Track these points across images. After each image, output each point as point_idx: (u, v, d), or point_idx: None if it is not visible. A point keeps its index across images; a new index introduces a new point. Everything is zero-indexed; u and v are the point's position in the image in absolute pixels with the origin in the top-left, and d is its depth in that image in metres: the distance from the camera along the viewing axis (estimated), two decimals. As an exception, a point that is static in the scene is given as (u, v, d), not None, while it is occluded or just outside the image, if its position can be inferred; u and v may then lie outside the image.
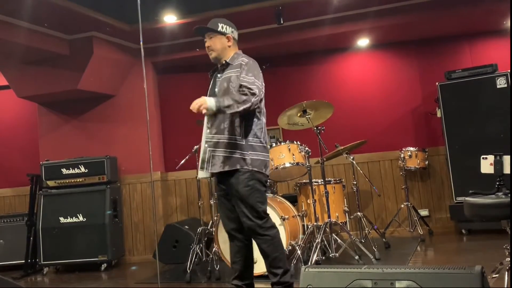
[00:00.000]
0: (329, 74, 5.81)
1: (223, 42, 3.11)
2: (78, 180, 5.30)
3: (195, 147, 4.42)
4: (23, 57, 5.03)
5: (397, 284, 1.88)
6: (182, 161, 4.45)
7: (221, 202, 3.16)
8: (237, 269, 3.09)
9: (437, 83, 5.15)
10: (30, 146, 6.13)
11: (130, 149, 5.57)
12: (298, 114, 4.19)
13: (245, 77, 2.94)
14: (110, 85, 5.58)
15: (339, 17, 5.02)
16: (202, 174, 3.07)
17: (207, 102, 2.78)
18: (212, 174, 3.09)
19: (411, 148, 5.18)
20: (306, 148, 4.18)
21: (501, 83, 4.87)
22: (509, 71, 4.86)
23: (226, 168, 2.94)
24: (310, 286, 2.04)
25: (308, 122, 4.12)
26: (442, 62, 5.50)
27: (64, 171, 5.32)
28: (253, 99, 2.85)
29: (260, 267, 3.86)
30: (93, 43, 5.02)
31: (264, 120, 3.10)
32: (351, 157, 4.71)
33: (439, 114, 5.15)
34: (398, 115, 5.65)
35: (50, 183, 5.34)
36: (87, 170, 5.29)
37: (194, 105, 2.79)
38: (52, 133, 5.79)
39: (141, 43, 3.26)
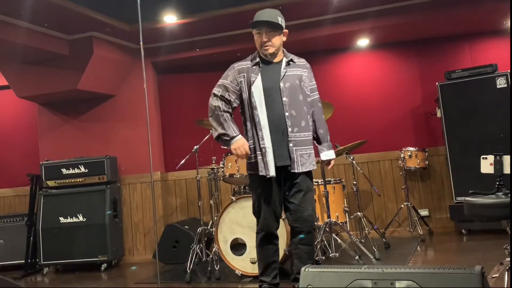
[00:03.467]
0: (329, 74, 5.80)
1: (281, 38, 3.06)
2: (78, 180, 5.30)
3: (195, 147, 4.41)
4: (23, 57, 5.03)
5: (397, 284, 1.87)
6: (182, 161, 4.45)
7: (271, 204, 2.99)
8: (276, 267, 3.12)
9: (437, 83, 5.15)
10: (30, 146, 6.13)
11: (130, 149, 5.57)
12: (298, 114, 4.18)
13: (316, 87, 3.21)
14: (110, 85, 5.58)
15: (339, 17, 5.01)
16: (272, 172, 2.91)
17: (334, 157, 3.16)
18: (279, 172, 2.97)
19: (411, 148, 5.18)
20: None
21: (501, 83, 4.87)
22: (509, 71, 4.86)
23: (310, 168, 3.03)
24: (310, 286, 2.04)
25: (308, 122, 4.11)
26: (442, 62, 5.50)
27: (64, 171, 5.32)
28: None
29: (260, 267, 3.86)
30: (93, 43, 5.02)
31: None
32: (351, 157, 4.71)
33: (439, 114, 5.15)
34: (398, 115, 5.65)
35: (50, 183, 5.34)
36: (87, 170, 5.29)
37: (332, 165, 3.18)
38: (52, 133, 5.79)
39: (141, 43, 3.27)
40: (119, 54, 5.39)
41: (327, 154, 3.12)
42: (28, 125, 6.22)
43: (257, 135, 2.96)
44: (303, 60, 3.18)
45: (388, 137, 5.60)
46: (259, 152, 2.95)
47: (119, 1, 4.32)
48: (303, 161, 2.96)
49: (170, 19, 4.83)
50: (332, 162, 3.18)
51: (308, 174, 3.05)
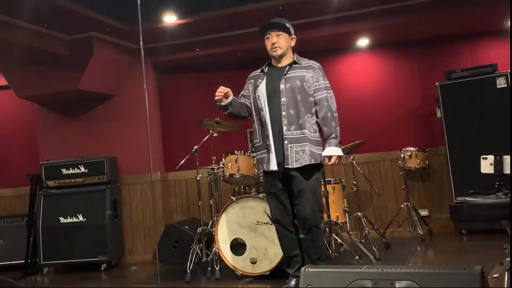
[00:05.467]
0: (329, 74, 5.67)
1: (288, 41, 3.31)
2: (78, 180, 5.30)
3: (195, 147, 4.41)
4: (23, 57, 5.03)
5: (397, 284, 1.87)
6: (182, 161, 4.45)
7: (276, 198, 3.27)
8: (298, 260, 3.30)
9: (437, 83, 5.15)
10: (30, 146, 6.12)
11: (130, 149, 5.57)
12: (298, 114, 4.18)
13: (327, 85, 3.27)
14: (110, 85, 5.58)
15: (339, 17, 5.01)
16: (274, 167, 3.18)
17: (337, 154, 3.12)
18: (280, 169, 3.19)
19: (411, 148, 5.18)
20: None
21: (501, 83, 4.87)
22: (509, 71, 4.86)
23: (312, 162, 3.12)
24: (310, 286, 2.04)
25: (308, 122, 4.11)
26: (442, 62, 5.50)
27: (64, 171, 5.32)
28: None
29: (260, 267, 3.87)
30: (93, 43, 5.02)
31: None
32: (351, 157, 4.71)
33: (439, 114, 5.15)
34: (398, 115, 5.65)
35: (50, 183, 5.34)
36: (87, 170, 5.28)
37: (334, 162, 3.11)
38: (52, 133, 5.79)
39: (141, 43, 3.25)
40: (119, 54, 5.39)
41: (327, 150, 3.18)
42: (28, 125, 6.22)
43: (264, 133, 3.24)
44: (312, 62, 3.33)
45: (388, 137, 5.60)
46: (266, 150, 3.24)
47: (119, 1, 4.32)
48: (298, 157, 3.12)
49: (170, 19, 4.83)
50: (333, 159, 3.15)
51: (307, 171, 3.14)
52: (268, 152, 3.21)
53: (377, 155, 5.60)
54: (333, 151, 3.16)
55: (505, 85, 4.84)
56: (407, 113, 5.64)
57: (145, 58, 3.30)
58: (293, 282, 3.28)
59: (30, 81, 5.27)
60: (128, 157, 5.58)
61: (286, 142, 3.13)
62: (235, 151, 4.16)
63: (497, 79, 4.89)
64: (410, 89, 5.64)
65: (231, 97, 3.25)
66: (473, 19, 5.11)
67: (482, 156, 2.82)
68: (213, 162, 4.62)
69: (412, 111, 5.63)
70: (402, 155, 5.17)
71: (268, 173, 3.26)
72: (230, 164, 4.15)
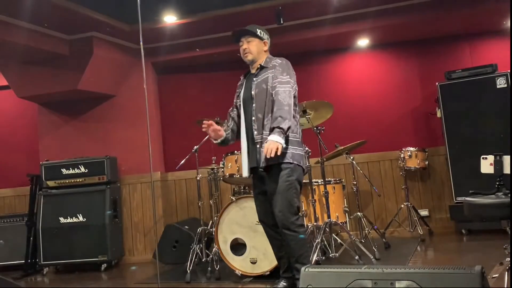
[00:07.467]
0: (329, 74, 5.81)
1: (259, 46, 3.32)
2: (78, 180, 5.30)
3: (195, 147, 4.41)
4: (23, 57, 5.03)
5: (397, 284, 1.87)
6: (182, 161, 4.45)
7: (259, 200, 3.33)
8: (285, 262, 3.28)
9: (437, 83, 5.15)
10: (30, 146, 6.12)
11: (130, 149, 5.57)
12: (298, 114, 4.18)
13: (283, 80, 3.11)
14: (110, 85, 5.58)
15: (339, 17, 5.02)
16: (245, 173, 3.25)
17: (277, 143, 2.91)
18: (252, 172, 3.26)
19: (411, 148, 5.18)
20: (306, 148, 4.18)
21: (501, 83, 4.87)
22: (509, 71, 4.86)
23: (272, 162, 3.06)
24: (310, 286, 2.04)
25: (308, 122, 4.11)
26: (442, 62, 5.50)
27: (64, 171, 5.32)
28: (292, 113, 3.05)
29: (260, 267, 3.87)
30: (93, 43, 5.02)
31: (298, 116, 3.28)
32: (351, 157, 4.71)
33: (439, 114, 5.15)
34: (398, 115, 5.65)
35: (50, 183, 5.34)
36: (87, 170, 5.29)
37: (270, 152, 2.90)
38: (52, 133, 5.79)
39: (141, 43, 3.26)
40: (119, 54, 5.39)
41: (269, 137, 3.00)
42: (28, 125, 6.22)
43: (241, 139, 3.31)
44: (276, 61, 3.26)
45: (388, 137, 5.60)
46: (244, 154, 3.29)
47: (119, 1, 4.32)
48: (263, 158, 3.08)
49: (170, 19, 4.83)
50: (271, 146, 2.90)
51: (277, 172, 3.08)
52: (243, 156, 3.27)
53: (377, 155, 5.60)
54: (271, 137, 2.95)
55: (505, 85, 4.84)
56: (407, 113, 5.64)
57: (145, 58, 3.31)
58: (280, 284, 3.26)
59: (30, 81, 5.27)
60: (128, 157, 5.58)
61: (258, 146, 3.16)
62: (235, 151, 4.16)
63: (497, 79, 4.89)
64: (410, 89, 5.64)
65: (223, 137, 3.29)
66: (473, 19, 5.11)
67: (482, 156, 2.82)
68: (213, 162, 4.62)
69: (412, 111, 5.64)
70: (402, 155, 5.17)
71: (252, 175, 3.30)
72: (230, 164, 4.15)
